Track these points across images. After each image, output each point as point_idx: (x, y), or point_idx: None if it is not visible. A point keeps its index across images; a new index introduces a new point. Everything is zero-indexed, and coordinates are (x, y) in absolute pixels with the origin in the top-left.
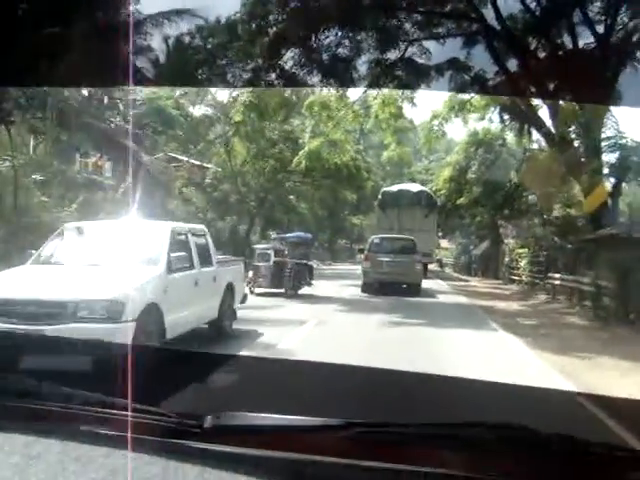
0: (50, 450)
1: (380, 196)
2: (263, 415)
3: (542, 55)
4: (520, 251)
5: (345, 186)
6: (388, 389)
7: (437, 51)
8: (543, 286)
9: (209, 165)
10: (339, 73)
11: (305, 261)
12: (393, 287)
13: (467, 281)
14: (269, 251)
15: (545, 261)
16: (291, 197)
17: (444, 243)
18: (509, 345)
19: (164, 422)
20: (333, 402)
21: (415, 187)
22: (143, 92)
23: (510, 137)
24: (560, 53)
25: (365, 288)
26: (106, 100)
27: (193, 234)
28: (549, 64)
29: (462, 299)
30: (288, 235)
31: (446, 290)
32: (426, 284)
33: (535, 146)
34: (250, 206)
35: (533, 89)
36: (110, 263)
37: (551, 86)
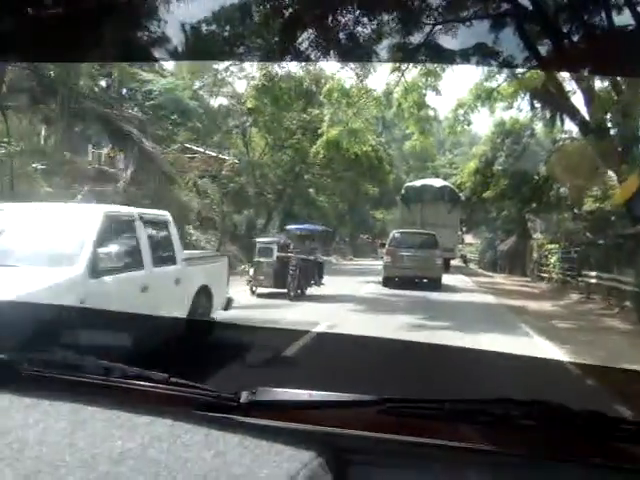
0: (95, 417)
1: (403, 191)
2: (297, 391)
3: (577, 37)
4: (550, 247)
5: (366, 179)
6: (420, 364)
7: (463, 34)
8: (576, 284)
9: (226, 157)
10: (359, 57)
11: (314, 257)
12: (413, 281)
13: (492, 277)
14: (272, 245)
15: (578, 258)
16: (310, 190)
17: (468, 238)
18: (547, 355)
19: (203, 395)
20: (365, 377)
21: (438, 182)
22: (160, 83)
23: (539, 127)
24: (597, 34)
25: (386, 282)
26: (125, 91)
27: (146, 222)
28: (585, 47)
29: (489, 298)
30: (295, 227)
31: (471, 287)
32: (450, 280)
33: (565, 136)
34: (268, 199)
35: (566, 74)
36: (6, 262)
37: (587, 70)
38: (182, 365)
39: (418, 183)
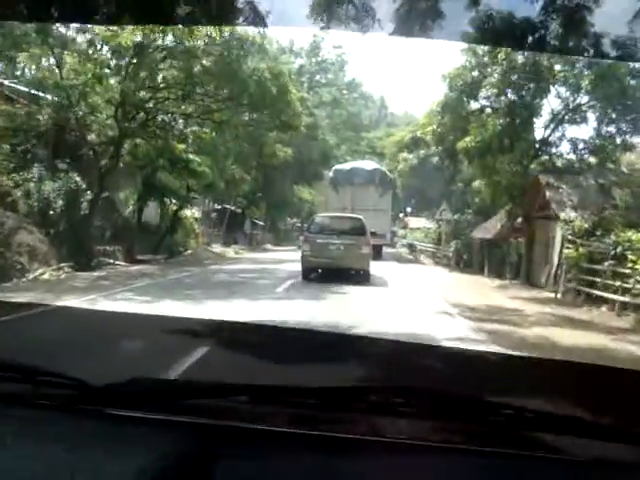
0: None
1: (332, 174)
2: (168, 379)
3: None
4: (633, 237)
5: (264, 118)
6: (304, 350)
7: None
8: None
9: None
10: None
11: None
12: (337, 274)
13: (477, 287)
14: None
15: None
16: (182, 146)
17: (415, 221)
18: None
19: (69, 388)
20: (239, 364)
21: (369, 165)
22: None
23: (553, 28)
24: None
25: (305, 274)
26: None
27: None
28: None
29: None
30: None
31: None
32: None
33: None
34: (94, 155)
35: None
36: None
37: None
38: (50, 357)
39: (348, 166)
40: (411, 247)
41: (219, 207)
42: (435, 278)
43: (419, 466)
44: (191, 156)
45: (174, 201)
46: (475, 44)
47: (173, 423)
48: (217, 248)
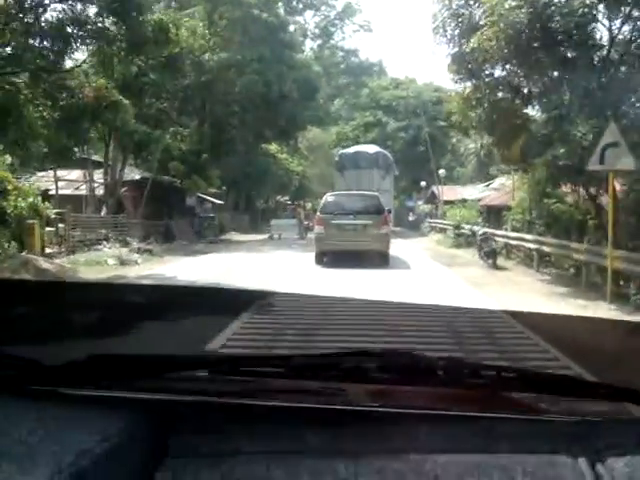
0: None
1: (337, 158)
2: (130, 354)
3: None
4: None
5: None
6: (282, 317)
7: None
8: None
9: None
10: None
11: None
12: (354, 257)
13: None
14: None
15: None
16: None
17: (450, 193)
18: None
19: (16, 367)
20: (209, 333)
21: (372, 148)
22: None
23: None
24: None
25: (319, 259)
26: None
27: None
28: None
29: None
30: None
31: None
32: None
33: None
34: None
35: None
36: None
37: None
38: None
39: (352, 150)
40: (485, 241)
41: (139, 178)
42: None
43: (394, 434)
44: None
45: None
46: None
47: (128, 401)
48: (106, 249)
